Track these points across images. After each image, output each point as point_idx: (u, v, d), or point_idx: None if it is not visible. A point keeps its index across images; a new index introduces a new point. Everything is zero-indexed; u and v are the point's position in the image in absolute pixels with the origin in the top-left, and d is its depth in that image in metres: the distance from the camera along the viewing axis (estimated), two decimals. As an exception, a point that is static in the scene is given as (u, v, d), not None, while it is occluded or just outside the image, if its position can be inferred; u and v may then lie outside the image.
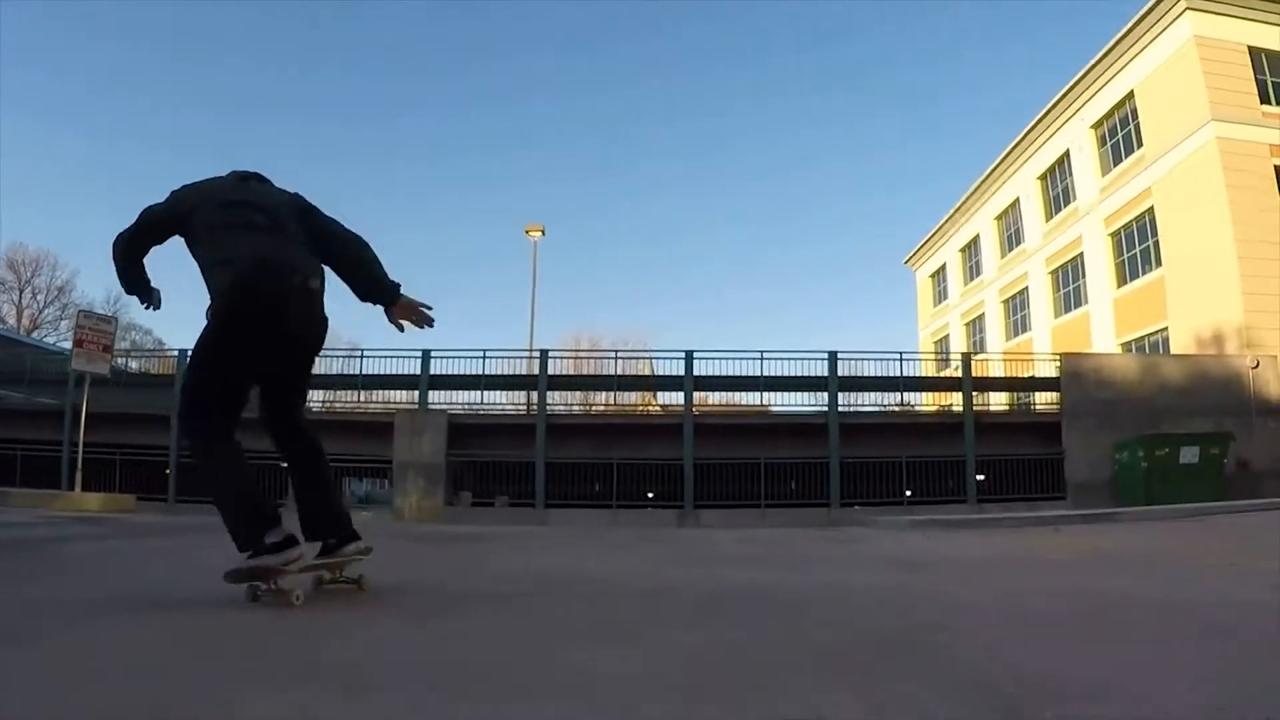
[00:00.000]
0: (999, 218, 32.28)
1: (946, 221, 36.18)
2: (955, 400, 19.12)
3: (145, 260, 3.60)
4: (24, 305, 46.38)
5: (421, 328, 3.66)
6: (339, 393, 20.08)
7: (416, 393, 18.08)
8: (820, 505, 15.68)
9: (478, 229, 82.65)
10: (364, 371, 18.89)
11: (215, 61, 73.93)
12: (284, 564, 2.98)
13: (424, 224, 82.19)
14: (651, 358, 16.95)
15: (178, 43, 71.37)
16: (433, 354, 18.00)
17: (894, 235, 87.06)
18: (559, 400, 18.28)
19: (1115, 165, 25.00)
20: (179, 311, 67.49)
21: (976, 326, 33.62)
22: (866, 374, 16.50)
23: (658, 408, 19.55)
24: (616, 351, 16.92)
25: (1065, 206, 27.60)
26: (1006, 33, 78.47)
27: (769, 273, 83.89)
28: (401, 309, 3.57)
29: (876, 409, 16.73)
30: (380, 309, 3.59)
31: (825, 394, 16.40)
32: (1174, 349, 20.96)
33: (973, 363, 16.97)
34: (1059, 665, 1.98)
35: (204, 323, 3.23)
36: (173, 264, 3.65)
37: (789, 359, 16.58)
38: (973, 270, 34.77)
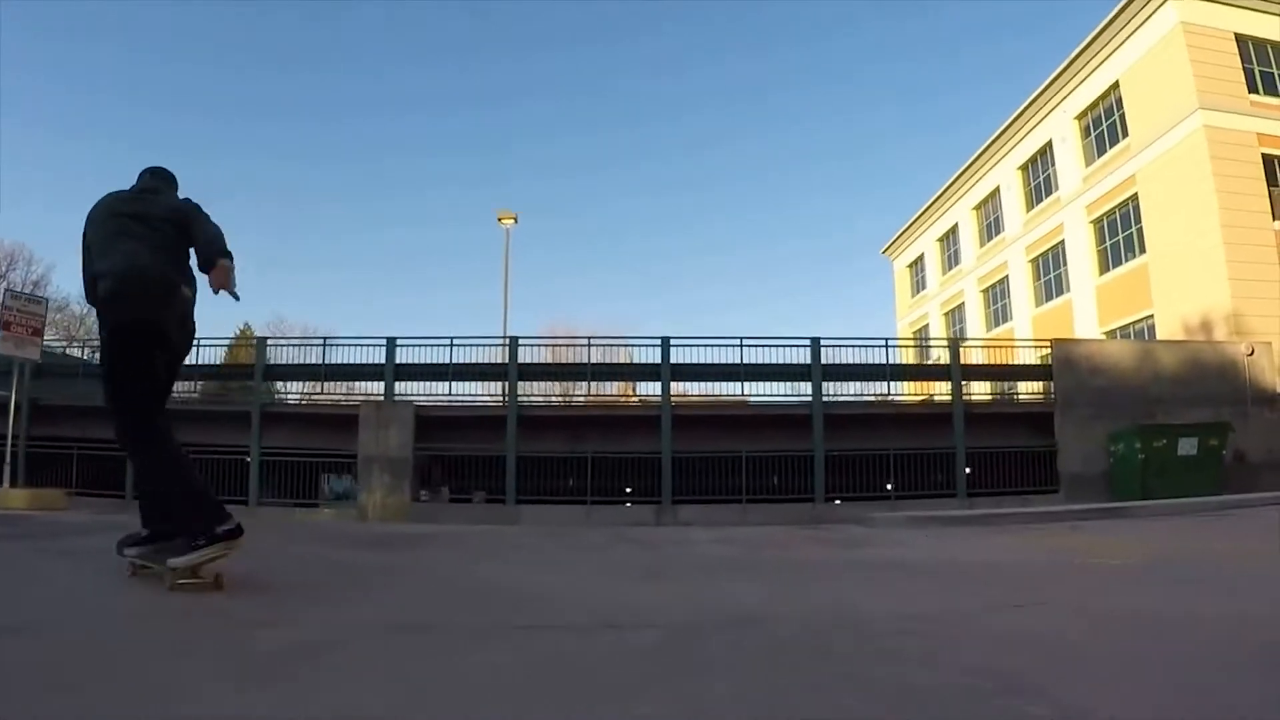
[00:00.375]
0: (978, 207, 31.48)
1: (925, 211, 35.33)
2: (938, 390, 18.23)
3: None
4: (-2, 300, 44.56)
5: (224, 293, 3.57)
6: (303, 384, 18.93)
7: (383, 384, 16.92)
8: (804, 500, 14.69)
9: (456, 225, 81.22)
10: (328, 361, 17.72)
11: (181, 58, 72.01)
12: (228, 550, 3.29)
13: (402, 220, 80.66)
14: (627, 345, 15.91)
15: (135, 38, 69.39)
16: (398, 342, 16.84)
17: (871, 228, 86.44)
18: (533, 391, 17.14)
19: (1099, 155, 24.22)
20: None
21: (956, 316, 32.83)
22: (851, 362, 15.47)
23: (637, 399, 18.49)
24: (590, 338, 15.83)
25: (1047, 196, 26.81)
26: (988, 28, 78.12)
27: (747, 267, 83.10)
28: (219, 270, 3.52)
29: (862, 399, 15.74)
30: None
31: (808, 384, 15.38)
32: (1160, 336, 20.23)
33: (960, 350, 15.92)
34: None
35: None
36: None
37: (770, 346, 15.57)
38: (951, 260, 33.97)
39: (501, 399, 16.12)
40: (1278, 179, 20.47)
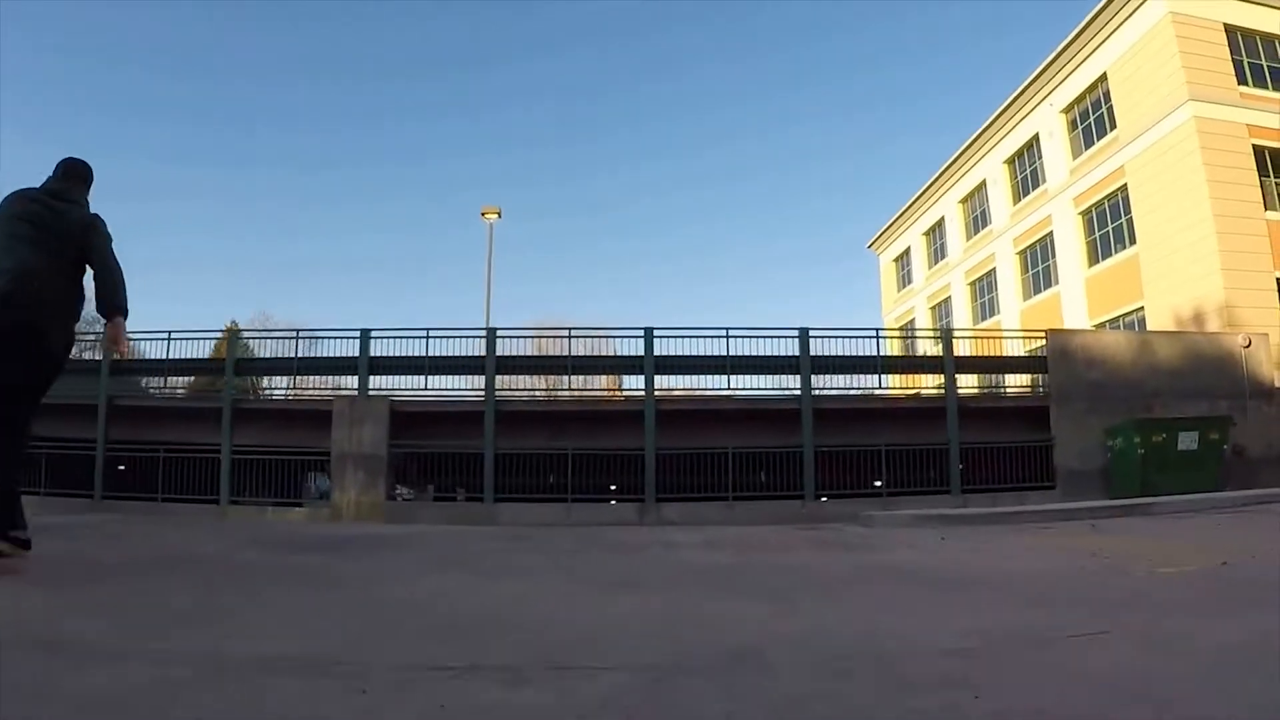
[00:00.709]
0: (964, 200, 30.91)
1: (911, 205, 34.74)
2: (924, 383, 17.55)
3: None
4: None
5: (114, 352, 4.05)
6: (274, 378, 18.07)
7: (357, 378, 16.07)
8: (793, 497, 13.95)
9: (446, 228, 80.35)
10: (300, 354, 16.86)
11: (174, 67, 70.84)
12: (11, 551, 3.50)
13: (393, 224, 79.71)
14: (608, 336, 15.08)
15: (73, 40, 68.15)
16: (373, 334, 15.99)
17: (856, 229, 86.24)
18: (514, 385, 16.34)
19: (1087, 148, 23.70)
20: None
21: (943, 310, 32.24)
22: (841, 354, 14.74)
23: (622, 396, 17.71)
24: (570, 330, 15.04)
25: (1034, 189, 26.26)
26: (975, 27, 77.93)
27: (732, 269, 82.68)
28: (113, 327, 3.81)
29: (853, 392, 15.01)
30: None
31: (797, 377, 14.65)
32: (1151, 328, 19.69)
33: (953, 341, 15.23)
34: None
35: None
36: None
37: (757, 337, 14.81)
38: (937, 253, 33.40)
39: (480, 394, 15.30)
40: (1269, 170, 19.98)
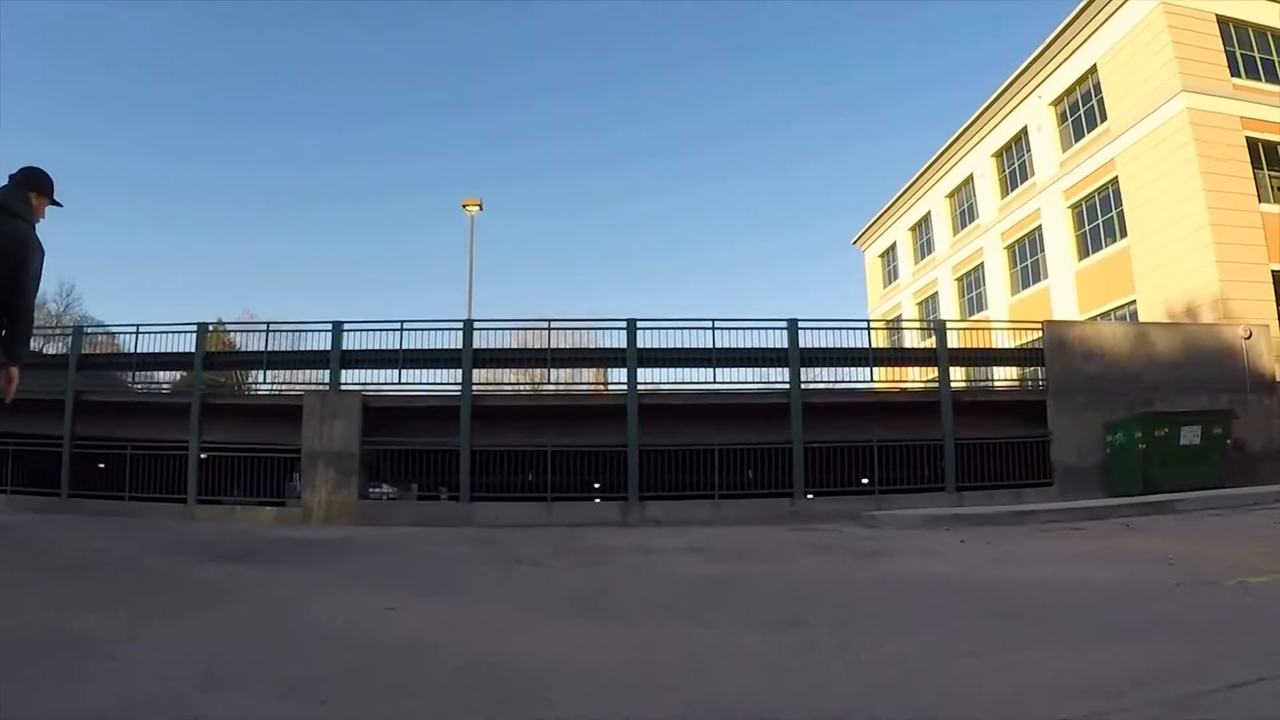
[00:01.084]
0: (951, 195, 30.29)
1: (896, 201, 34.09)
2: (913, 376, 16.84)
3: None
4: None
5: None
6: (260, 374, 17.17)
7: (329, 372, 15.21)
8: (782, 495, 13.23)
9: (434, 229, 79.40)
10: (271, 348, 15.99)
11: (168, 69, 69.54)
12: None
13: (383, 222, 78.65)
14: (590, 328, 14.31)
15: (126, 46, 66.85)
16: (345, 327, 15.15)
17: (842, 222, 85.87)
18: (493, 380, 15.51)
19: (1077, 140, 23.08)
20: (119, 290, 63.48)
21: (929, 306, 31.60)
22: (831, 346, 14.01)
23: (603, 390, 16.94)
24: (550, 322, 14.21)
25: (1022, 182, 25.64)
26: (968, 24, 77.67)
27: (718, 270, 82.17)
28: (9, 375, 3.78)
29: (843, 386, 14.30)
30: None
31: (785, 369, 13.93)
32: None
33: (946, 333, 14.53)
34: None
35: None
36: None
37: (744, 329, 14.08)
38: (924, 248, 32.77)
39: (457, 388, 14.48)
40: (1263, 162, 19.43)
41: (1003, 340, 16.19)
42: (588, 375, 17.35)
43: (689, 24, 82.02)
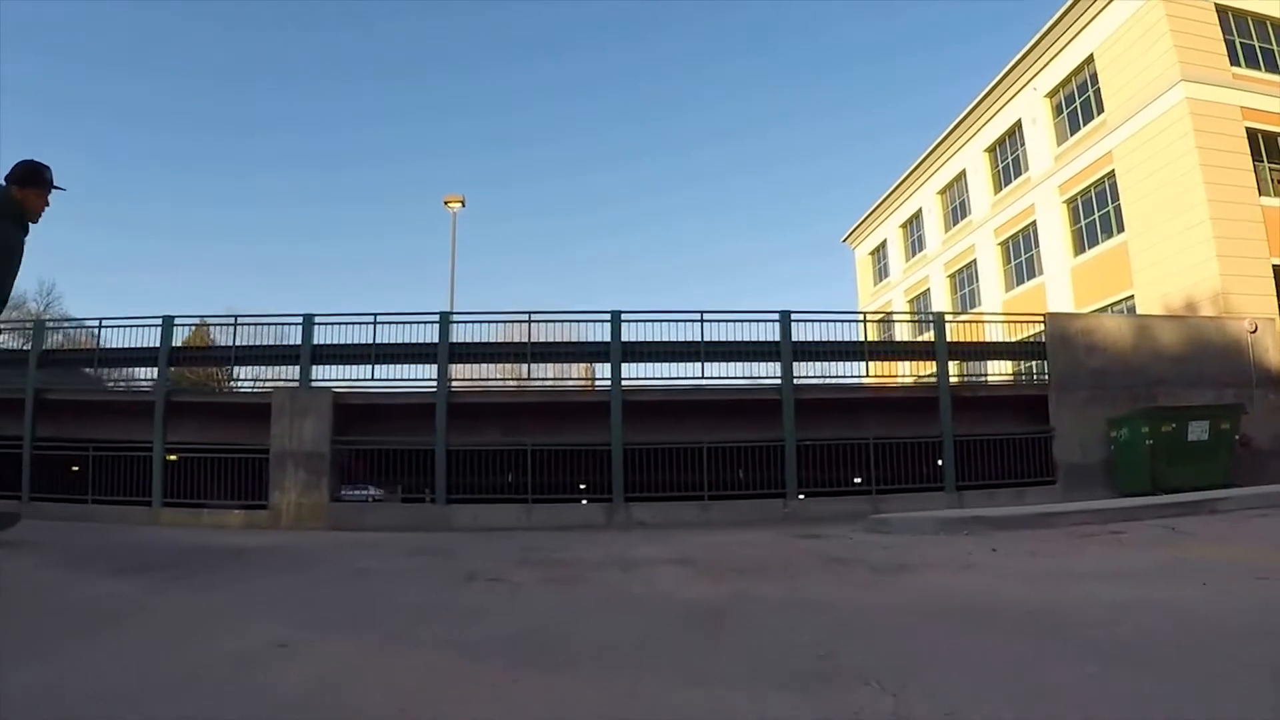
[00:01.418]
0: (943, 191, 29.74)
1: (888, 197, 33.50)
2: (901, 370, 16.26)
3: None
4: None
5: None
6: (211, 369, 16.38)
7: (299, 368, 14.44)
8: (774, 496, 12.58)
9: (420, 230, 78.61)
10: (238, 342, 15.20)
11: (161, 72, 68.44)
12: None
13: (381, 222, 77.77)
14: (573, 321, 13.56)
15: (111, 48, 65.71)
16: (316, 320, 14.39)
17: (833, 220, 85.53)
18: (472, 375, 14.77)
19: (1072, 133, 22.58)
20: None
21: (921, 304, 31.02)
22: (825, 339, 13.35)
23: (586, 385, 16.24)
24: (530, 314, 13.48)
25: (1016, 177, 25.11)
26: (956, 22, 77.49)
27: (716, 265, 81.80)
28: None
29: (837, 381, 13.66)
30: None
31: (777, 364, 13.26)
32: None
33: (945, 326, 13.91)
34: None
35: None
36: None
37: (734, 321, 13.42)
38: (915, 245, 32.21)
39: (433, 384, 13.74)
40: (1263, 154, 18.94)
41: (999, 335, 15.58)
42: (578, 371, 16.67)
43: (690, 23, 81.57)
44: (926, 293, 30.38)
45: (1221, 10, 19.66)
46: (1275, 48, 19.90)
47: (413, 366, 14.19)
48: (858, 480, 13.23)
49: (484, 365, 14.40)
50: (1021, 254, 24.80)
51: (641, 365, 13.63)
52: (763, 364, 13.37)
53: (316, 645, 2.13)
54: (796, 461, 12.68)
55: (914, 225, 32.30)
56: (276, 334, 15.39)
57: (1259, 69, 19.57)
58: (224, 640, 2.21)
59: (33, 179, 4.16)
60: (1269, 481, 11.41)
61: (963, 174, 28.04)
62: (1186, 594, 2.62)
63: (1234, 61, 19.45)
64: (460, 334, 14.16)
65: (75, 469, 14.93)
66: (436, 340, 13.64)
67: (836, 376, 13.56)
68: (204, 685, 1.76)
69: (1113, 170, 20.68)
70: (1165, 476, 11.69)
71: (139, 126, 71.96)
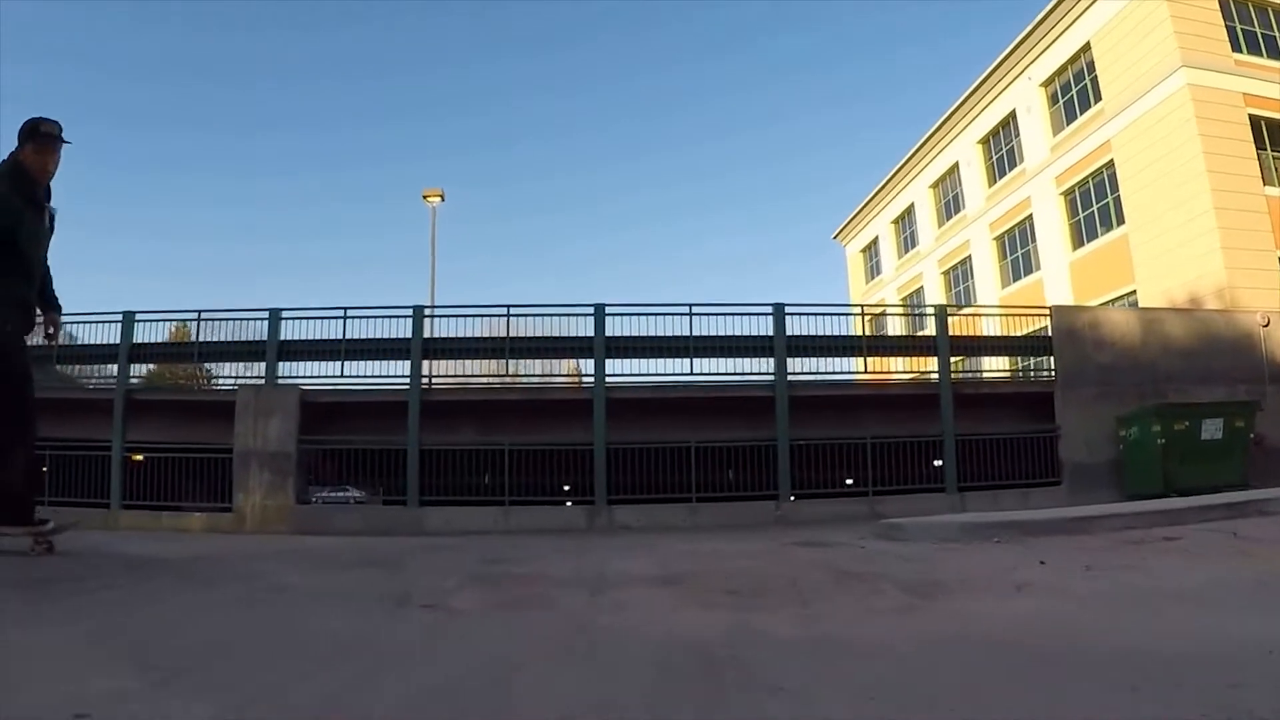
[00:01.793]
0: (935, 185, 29.17)
1: (878, 193, 32.88)
2: (895, 366, 15.59)
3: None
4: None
5: None
6: (174, 365, 15.58)
7: (265, 364, 13.68)
8: (766, 498, 11.90)
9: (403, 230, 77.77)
10: (202, 337, 14.42)
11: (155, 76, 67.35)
12: None
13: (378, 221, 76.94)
14: (554, 315, 12.83)
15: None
16: (283, 314, 13.63)
17: (825, 218, 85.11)
18: (448, 372, 14.01)
19: (1069, 123, 22.03)
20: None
21: (914, 301, 30.40)
22: (820, 333, 12.68)
23: (570, 382, 15.51)
24: (509, 308, 12.74)
25: (1011, 169, 24.54)
26: (955, 18, 77.38)
27: (714, 264, 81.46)
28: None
29: (833, 378, 13.00)
30: None
31: (770, 360, 12.58)
32: (1145, 314, 18.02)
33: (947, 319, 13.28)
34: None
35: None
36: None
37: (725, 315, 12.71)
38: (907, 242, 31.62)
39: (405, 381, 12.99)
40: (1266, 142, 18.44)
41: (998, 330, 14.93)
42: (567, 367, 15.93)
43: (687, 22, 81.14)
44: (920, 290, 29.79)
45: (1222, -7, 19.18)
46: (1277, 33, 19.43)
47: (385, 363, 13.45)
48: (849, 481, 12.58)
49: (461, 362, 13.62)
50: (1018, 249, 24.25)
51: (627, 361, 12.93)
52: (755, 360, 12.68)
53: (133, 714, 1.45)
54: (790, 462, 12.00)
55: (906, 221, 31.72)
56: (243, 329, 14.61)
57: (1260, 55, 19.09)
58: (27, 698, 1.53)
59: (28, 135, 3.94)
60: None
61: (955, 167, 27.47)
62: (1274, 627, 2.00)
63: (1235, 47, 18.95)
64: (441, 329, 13.47)
65: (44, 469, 14.14)
66: (410, 335, 12.90)
67: (832, 373, 12.91)
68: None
69: (1111, 160, 20.15)
70: (1178, 476, 11.10)
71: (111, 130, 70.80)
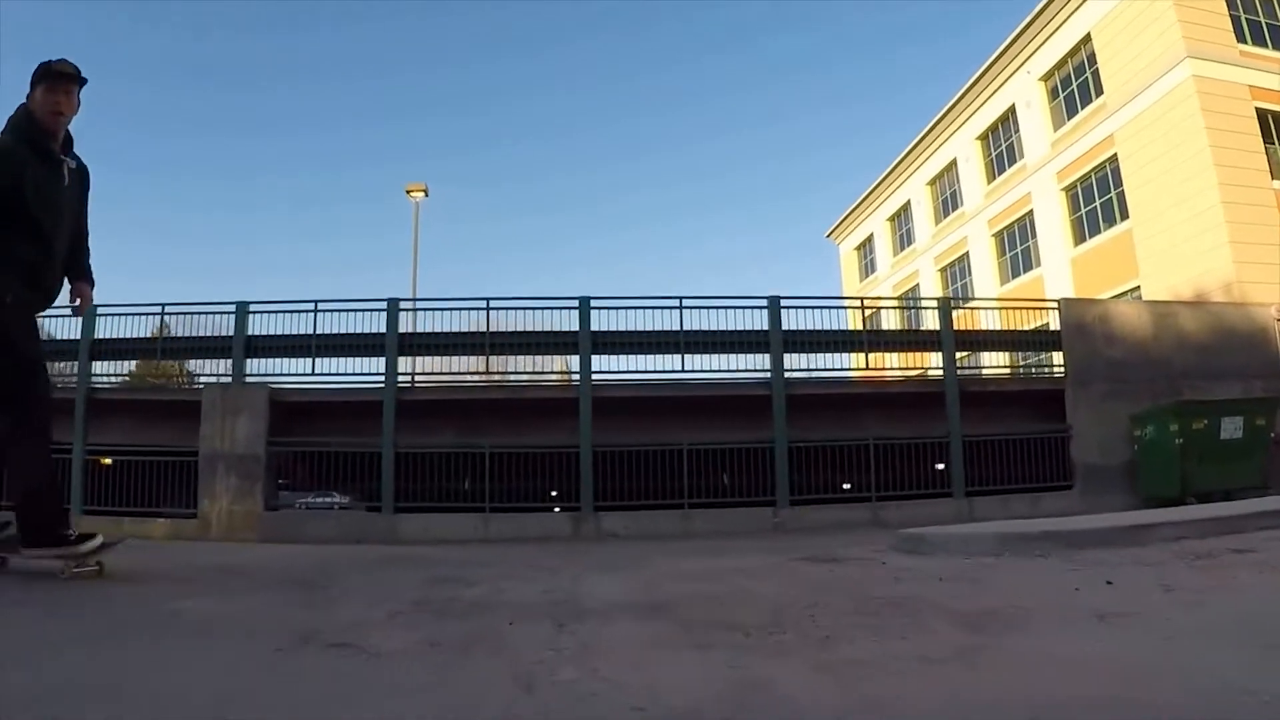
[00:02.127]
0: (932, 182, 28.61)
1: (874, 190, 32.30)
2: (890, 362, 14.98)
3: None
4: None
5: None
6: (135, 363, 14.82)
7: (232, 361, 12.96)
8: (762, 504, 11.24)
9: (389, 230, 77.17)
10: (166, 333, 13.72)
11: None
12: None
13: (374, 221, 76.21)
14: (536, 308, 12.14)
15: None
16: (251, 308, 12.93)
17: (820, 220, 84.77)
18: (426, 369, 13.32)
19: (1070, 118, 21.51)
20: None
21: (910, 300, 29.81)
22: (820, 327, 12.03)
23: (555, 380, 14.81)
24: (489, 301, 12.04)
25: (1011, 165, 24.01)
26: (940, 15, 77.13)
27: (713, 263, 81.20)
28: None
29: (833, 375, 12.37)
30: None
31: (766, 356, 11.94)
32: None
33: (952, 313, 12.66)
34: None
35: None
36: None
37: (718, 308, 12.04)
38: (903, 239, 31.04)
39: (380, 379, 12.29)
40: (1273, 135, 17.93)
41: (996, 324, 14.31)
42: (557, 365, 15.25)
43: (685, 21, 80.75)
44: (916, 287, 29.21)
45: (1226, -18, 18.67)
46: (1283, 23, 18.93)
47: (361, 360, 12.75)
48: (846, 486, 11.95)
49: (440, 359, 12.94)
50: (1017, 245, 23.70)
51: (614, 357, 12.27)
52: (750, 356, 12.02)
53: None
54: (788, 465, 11.35)
55: (902, 218, 31.15)
56: (211, 324, 13.88)
57: (1266, 46, 18.59)
58: None
59: (40, 77, 3.36)
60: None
61: (953, 163, 26.92)
62: None
63: (1240, 38, 18.46)
64: (422, 325, 12.79)
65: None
66: (384, 330, 12.21)
67: (833, 370, 12.29)
68: None
69: (1114, 155, 19.63)
70: (1196, 478, 10.54)
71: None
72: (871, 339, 12.66)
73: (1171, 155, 17.91)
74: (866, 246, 34.28)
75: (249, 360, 12.93)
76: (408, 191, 24.48)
